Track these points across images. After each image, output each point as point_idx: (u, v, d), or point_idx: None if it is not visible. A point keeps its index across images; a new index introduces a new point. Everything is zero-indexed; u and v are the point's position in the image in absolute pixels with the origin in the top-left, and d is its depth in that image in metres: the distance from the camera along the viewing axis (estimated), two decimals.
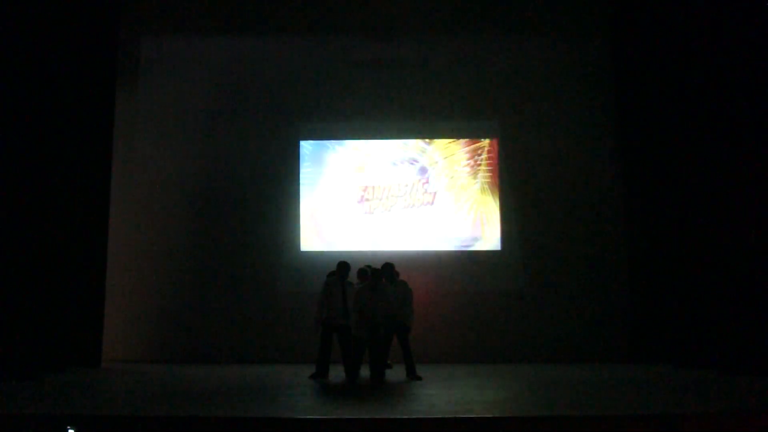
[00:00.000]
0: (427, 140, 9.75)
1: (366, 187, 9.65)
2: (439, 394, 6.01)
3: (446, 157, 9.69)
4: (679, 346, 8.28)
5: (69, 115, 8.08)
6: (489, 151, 9.70)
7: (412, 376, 7.20)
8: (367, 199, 9.63)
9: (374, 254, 8.87)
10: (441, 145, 9.73)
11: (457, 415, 4.78)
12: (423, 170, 9.67)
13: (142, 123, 9.74)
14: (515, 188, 9.62)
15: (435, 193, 9.60)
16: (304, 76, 9.85)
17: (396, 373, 7.32)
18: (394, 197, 9.61)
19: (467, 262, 9.47)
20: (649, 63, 9.10)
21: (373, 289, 7.10)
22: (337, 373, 7.28)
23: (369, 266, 7.40)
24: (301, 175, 9.68)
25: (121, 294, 9.18)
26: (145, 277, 9.37)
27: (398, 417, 4.77)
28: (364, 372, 7.12)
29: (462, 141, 9.73)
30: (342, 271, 7.35)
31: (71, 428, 4.32)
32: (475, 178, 9.65)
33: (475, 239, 9.55)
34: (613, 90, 9.67)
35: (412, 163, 9.70)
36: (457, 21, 9.86)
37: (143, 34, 9.88)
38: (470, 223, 9.56)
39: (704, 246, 7.91)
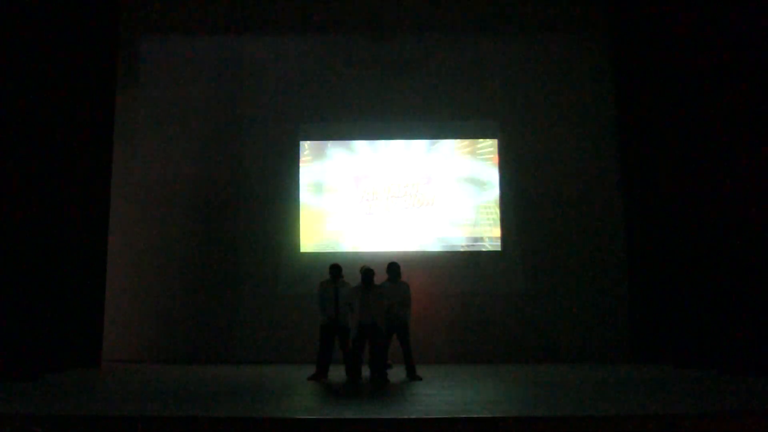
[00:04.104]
0: (427, 140, 9.74)
1: (366, 187, 9.65)
2: (439, 394, 6.01)
3: (446, 158, 9.69)
4: (679, 346, 8.28)
5: (69, 115, 8.08)
6: (489, 152, 9.70)
7: (412, 376, 7.20)
8: (367, 200, 9.62)
9: (374, 255, 8.88)
10: (441, 145, 9.72)
11: (456, 415, 4.78)
12: (423, 171, 9.67)
13: (142, 123, 9.74)
14: (515, 188, 9.62)
15: (435, 193, 9.60)
16: (304, 76, 9.85)
17: (396, 373, 7.32)
18: (394, 198, 9.61)
19: (467, 262, 9.47)
20: (649, 62, 9.10)
21: (367, 289, 7.13)
22: (337, 373, 7.29)
23: (364, 266, 7.42)
24: (301, 175, 9.68)
25: (121, 294, 9.18)
26: (145, 277, 9.37)
27: (398, 417, 4.77)
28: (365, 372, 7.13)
29: (462, 141, 9.73)
30: (334, 273, 7.38)
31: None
32: (475, 178, 9.65)
33: (475, 239, 9.55)
34: (613, 90, 9.67)
35: (412, 164, 9.69)
36: (457, 21, 9.87)
37: (143, 34, 9.89)
38: (470, 223, 9.56)
39: (704, 246, 7.91)
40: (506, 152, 9.69)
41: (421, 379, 7.10)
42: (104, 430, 4.56)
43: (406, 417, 4.75)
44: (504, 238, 9.52)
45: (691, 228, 8.18)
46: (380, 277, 7.48)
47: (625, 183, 9.44)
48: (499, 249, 9.51)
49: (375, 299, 7.12)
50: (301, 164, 9.69)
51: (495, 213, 9.56)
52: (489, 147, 9.72)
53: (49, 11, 7.72)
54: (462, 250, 9.51)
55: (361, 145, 9.77)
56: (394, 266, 7.57)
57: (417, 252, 9.40)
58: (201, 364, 8.82)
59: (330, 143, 9.77)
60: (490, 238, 9.54)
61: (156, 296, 9.34)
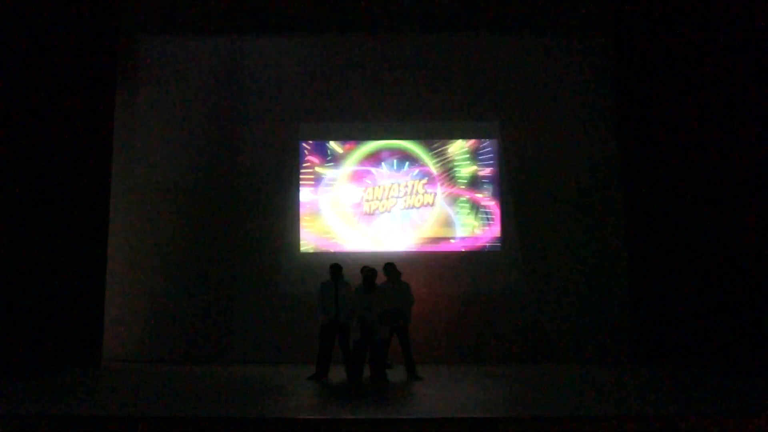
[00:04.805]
0: (427, 140, 9.74)
1: (366, 187, 9.65)
2: (439, 394, 6.02)
3: (446, 158, 9.69)
4: (679, 346, 8.28)
5: (69, 116, 8.09)
6: (489, 152, 9.70)
7: (413, 376, 7.21)
8: (367, 200, 9.62)
9: (374, 255, 8.88)
10: (441, 145, 9.72)
11: (457, 415, 4.78)
12: (423, 171, 9.67)
13: (142, 123, 9.73)
14: (515, 188, 9.61)
15: (435, 193, 9.60)
16: (304, 76, 9.84)
17: (396, 373, 7.32)
18: (394, 198, 9.61)
19: (467, 262, 9.47)
20: (649, 63, 9.10)
21: (369, 290, 7.12)
22: (337, 374, 7.29)
23: (365, 266, 7.43)
24: (301, 176, 9.68)
25: (121, 294, 9.17)
26: (145, 277, 9.35)
27: (398, 417, 4.78)
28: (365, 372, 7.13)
29: (462, 141, 9.73)
30: (334, 273, 7.39)
31: None
32: (475, 178, 9.65)
33: (476, 239, 9.55)
34: (614, 90, 9.66)
35: (412, 164, 9.69)
36: (457, 21, 9.85)
37: (143, 34, 9.88)
38: (470, 223, 9.56)
39: (704, 246, 7.91)
40: (506, 152, 9.68)
41: (421, 379, 7.10)
42: (104, 430, 4.56)
43: (406, 417, 4.75)
44: (504, 238, 9.52)
45: (691, 228, 8.18)
46: (381, 278, 7.49)
47: (625, 182, 9.44)
48: (499, 249, 9.51)
49: (377, 300, 7.11)
50: (300, 164, 9.69)
51: (495, 213, 9.56)
52: (489, 147, 9.71)
53: (49, 11, 7.73)
54: (462, 250, 9.51)
55: (360, 145, 9.76)
56: (391, 266, 7.59)
57: (417, 252, 9.40)
58: (201, 364, 8.81)
59: (330, 143, 9.76)
60: (490, 238, 9.54)
61: (156, 296, 9.33)
